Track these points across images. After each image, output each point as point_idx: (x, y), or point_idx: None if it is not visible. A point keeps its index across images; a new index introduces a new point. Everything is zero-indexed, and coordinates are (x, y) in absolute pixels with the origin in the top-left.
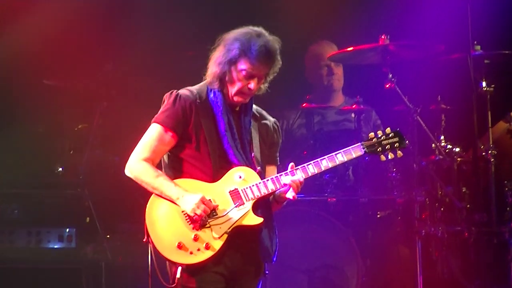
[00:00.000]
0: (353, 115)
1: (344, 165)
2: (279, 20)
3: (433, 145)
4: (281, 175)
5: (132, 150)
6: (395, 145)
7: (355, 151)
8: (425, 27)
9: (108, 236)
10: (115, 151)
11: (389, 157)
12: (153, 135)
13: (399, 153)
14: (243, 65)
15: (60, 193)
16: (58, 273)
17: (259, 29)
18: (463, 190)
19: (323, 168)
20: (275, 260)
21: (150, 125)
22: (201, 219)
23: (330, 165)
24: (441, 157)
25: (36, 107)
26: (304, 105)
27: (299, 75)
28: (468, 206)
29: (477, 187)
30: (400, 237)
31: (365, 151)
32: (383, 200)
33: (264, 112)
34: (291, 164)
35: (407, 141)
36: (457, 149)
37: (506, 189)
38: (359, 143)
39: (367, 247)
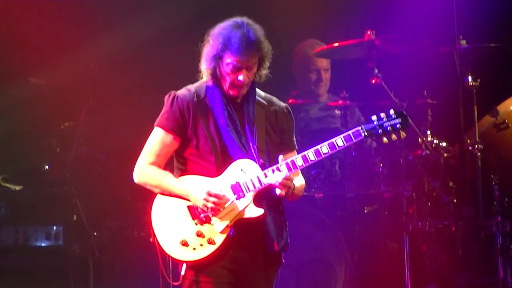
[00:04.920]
0: (337, 111)
1: (331, 160)
2: (265, 15)
3: (419, 139)
4: (277, 167)
5: (119, 147)
6: (398, 126)
7: (355, 135)
8: (411, 22)
9: (95, 233)
10: (101, 148)
11: (392, 139)
12: (156, 139)
13: (402, 134)
14: (228, 59)
15: (47, 191)
16: (46, 271)
17: (241, 20)
18: (450, 185)
19: (323, 155)
20: (288, 248)
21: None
22: (216, 210)
23: (331, 151)
24: (427, 151)
25: (22, 105)
26: (290, 101)
27: (283, 72)
28: (455, 200)
29: (464, 181)
30: (387, 231)
31: (364, 135)
32: (370, 195)
33: (274, 99)
34: (281, 156)
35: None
36: (444, 144)
37: (493, 183)
38: (359, 127)
39: (355, 242)
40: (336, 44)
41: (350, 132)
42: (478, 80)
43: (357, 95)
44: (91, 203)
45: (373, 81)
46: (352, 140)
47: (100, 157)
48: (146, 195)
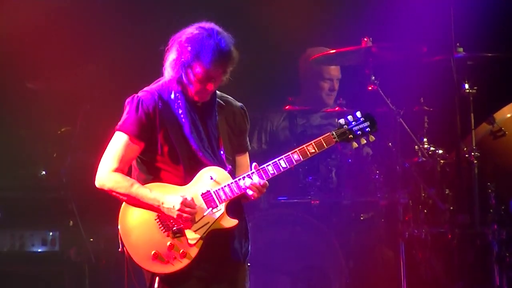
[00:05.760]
0: (337, 120)
1: (327, 167)
2: (265, 22)
3: (416, 147)
4: (248, 175)
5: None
6: (367, 130)
7: (326, 141)
8: (408, 29)
9: (91, 239)
10: (98, 153)
11: (361, 143)
12: (120, 144)
13: (371, 137)
14: (197, 69)
15: (44, 196)
16: (42, 277)
17: (209, 26)
18: (446, 192)
19: (295, 163)
20: (247, 260)
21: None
22: (190, 221)
23: (302, 158)
24: (424, 159)
25: (18, 111)
26: (287, 107)
27: (284, 78)
28: (451, 208)
29: (460, 189)
30: (383, 239)
31: (336, 141)
32: (367, 202)
33: (229, 99)
34: (254, 164)
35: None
36: (440, 151)
37: (489, 190)
38: (329, 133)
39: (350, 249)
40: (333, 51)
41: (321, 138)
42: (475, 88)
43: (354, 102)
44: (87, 209)
45: (370, 88)
46: (324, 146)
47: (97, 163)
48: None
